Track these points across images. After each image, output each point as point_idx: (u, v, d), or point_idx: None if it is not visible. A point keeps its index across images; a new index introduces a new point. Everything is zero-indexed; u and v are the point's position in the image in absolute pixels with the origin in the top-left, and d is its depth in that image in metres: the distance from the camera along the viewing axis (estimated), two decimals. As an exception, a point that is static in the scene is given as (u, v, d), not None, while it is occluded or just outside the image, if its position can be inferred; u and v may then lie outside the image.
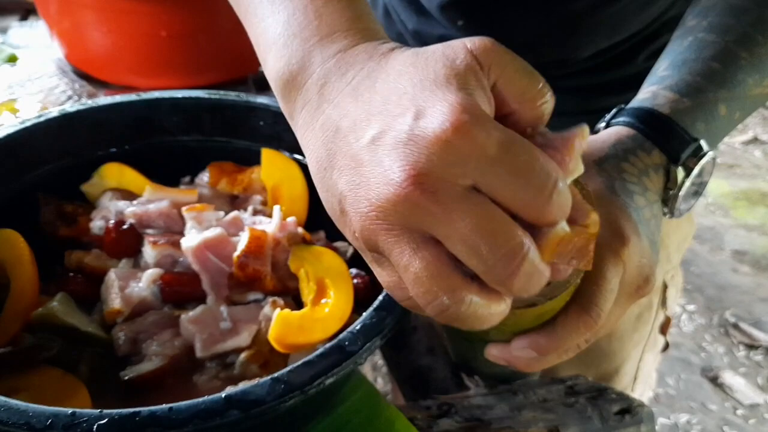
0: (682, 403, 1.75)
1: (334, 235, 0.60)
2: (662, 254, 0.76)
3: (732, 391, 1.78)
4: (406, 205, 0.29)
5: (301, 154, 0.61)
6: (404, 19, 0.78)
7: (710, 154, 0.46)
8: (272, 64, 0.39)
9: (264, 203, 0.61)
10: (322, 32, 0.37)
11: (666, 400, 1.75)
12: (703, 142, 0.46)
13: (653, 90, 0.49)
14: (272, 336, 0.47)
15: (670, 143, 0.46)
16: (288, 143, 0.62)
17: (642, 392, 0.85)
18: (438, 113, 0.29)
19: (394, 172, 0.30)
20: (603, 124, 0.49)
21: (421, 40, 0.77)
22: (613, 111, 0.49)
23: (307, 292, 0.51)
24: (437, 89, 0.31)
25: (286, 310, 0.48)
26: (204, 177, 0.62)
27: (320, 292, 0.50)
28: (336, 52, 0.36)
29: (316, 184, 0.35)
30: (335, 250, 0.56)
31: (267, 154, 0.61)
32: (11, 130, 0.56)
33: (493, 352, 0.42)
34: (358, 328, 0.41)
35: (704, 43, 0.50)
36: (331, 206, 0.34)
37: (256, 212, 0.60)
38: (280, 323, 0.47)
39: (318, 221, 0.60)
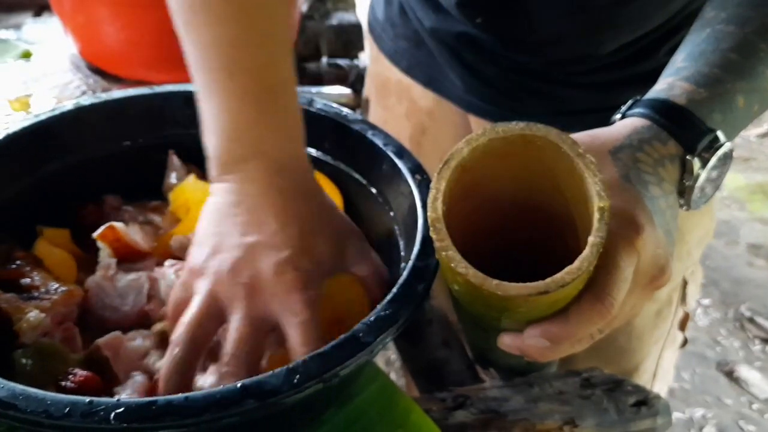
0: (697, 397, 1.74)
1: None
2: (682, 250, 0.75)
3: (747, 386, 1.76)
4: None
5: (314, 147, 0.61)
6: (421, 17, 0.77)
7: (727, 145, 0.45)
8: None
9: None
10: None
11: (681, 395, 1.74)
12: (719, 133, 0.45)
13: (669, 81, 0.48)
14: None
15: (685, 134, 0.45)
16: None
17: (661, 389, 0.85)
18: None
19: None
20: (618, 116, 0.49)
21: (439, 38, 0.75)
22: (629, 102, 0.48)
23: None
24: None
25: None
26: None
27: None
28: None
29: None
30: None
31: None
32: (25, 124, 0.56)
33: (506, 341, 0.42)
34: (372, 319, 0.41)
35: (722, 34, 0.49)
36: None
37: None
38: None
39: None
